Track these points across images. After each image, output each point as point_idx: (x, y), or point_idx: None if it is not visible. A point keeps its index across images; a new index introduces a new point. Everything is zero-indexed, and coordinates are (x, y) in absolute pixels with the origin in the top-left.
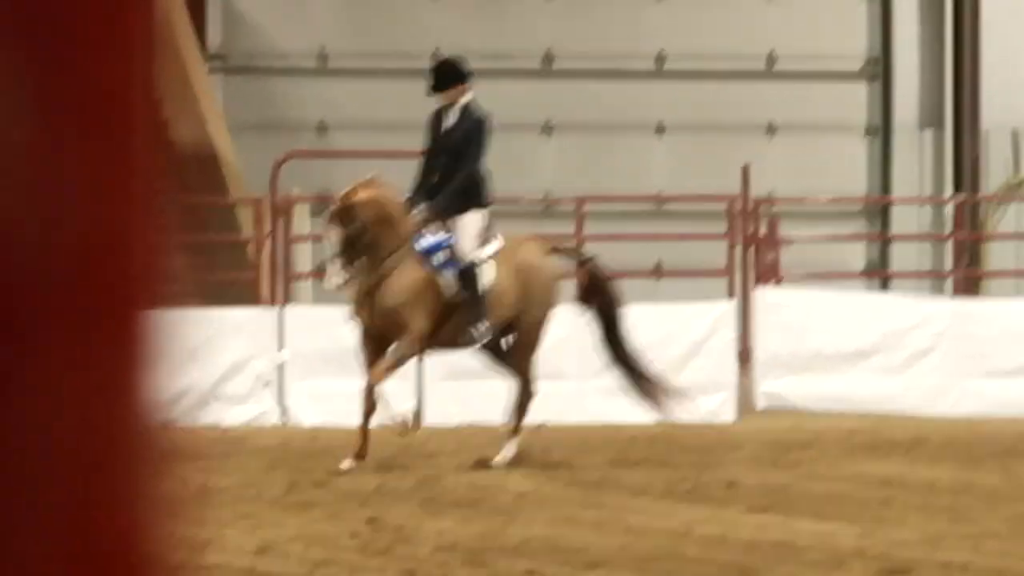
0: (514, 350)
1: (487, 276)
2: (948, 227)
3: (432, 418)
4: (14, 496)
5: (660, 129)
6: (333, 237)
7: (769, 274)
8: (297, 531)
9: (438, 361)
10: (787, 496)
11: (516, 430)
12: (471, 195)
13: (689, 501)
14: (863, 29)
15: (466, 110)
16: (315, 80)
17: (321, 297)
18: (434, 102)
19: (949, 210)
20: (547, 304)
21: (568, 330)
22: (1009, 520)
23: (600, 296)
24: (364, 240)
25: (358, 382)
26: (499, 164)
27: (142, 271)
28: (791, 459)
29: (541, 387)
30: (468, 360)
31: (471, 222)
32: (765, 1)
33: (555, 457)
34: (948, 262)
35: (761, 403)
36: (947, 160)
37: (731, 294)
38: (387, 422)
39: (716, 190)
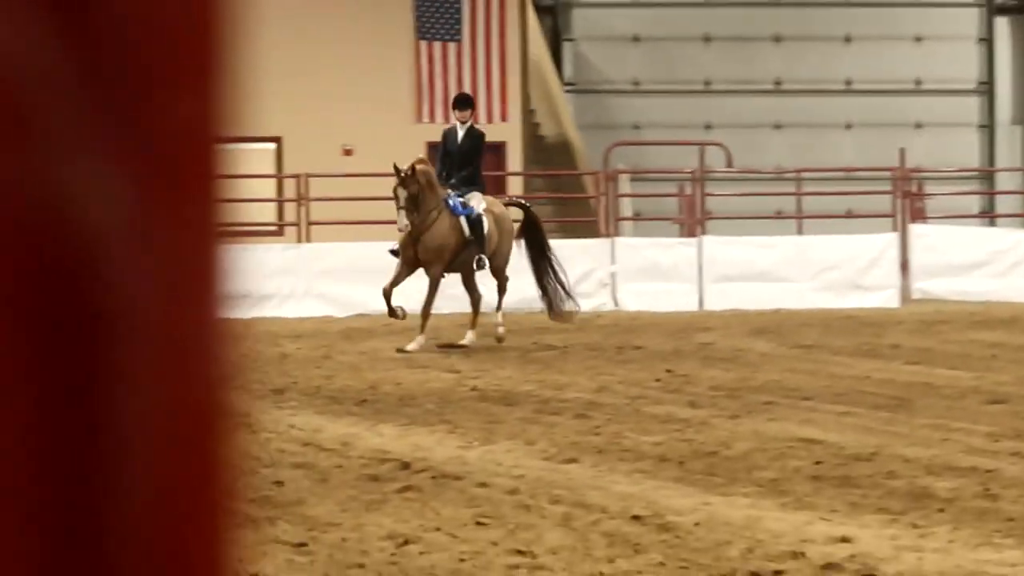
0: (494, 269)
1: (486, 225)
2: None
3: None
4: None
5: (849, 126)
6: (401, 195)
7: (918, 215)
8: (622, 377)
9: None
10: (930, 354)
11: (499, 307)
12: (475, 181)
13: (869, 357)
14: (975, 61)
15: (471, 128)
16: (631, 97)
17: (637, 231)
18: (452, 119)
19: None
20: (511, 238)
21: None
22: None
23: (534, 231)
24: (418, 198)
25: (656, 284)
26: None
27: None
28: (934, 330)
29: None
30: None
31: (476, 194)
32: (912, 45)
33: (784, 329)
34: None
35: (915, 296)
36: None
37: (895, 229)
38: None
39: (886, 163)
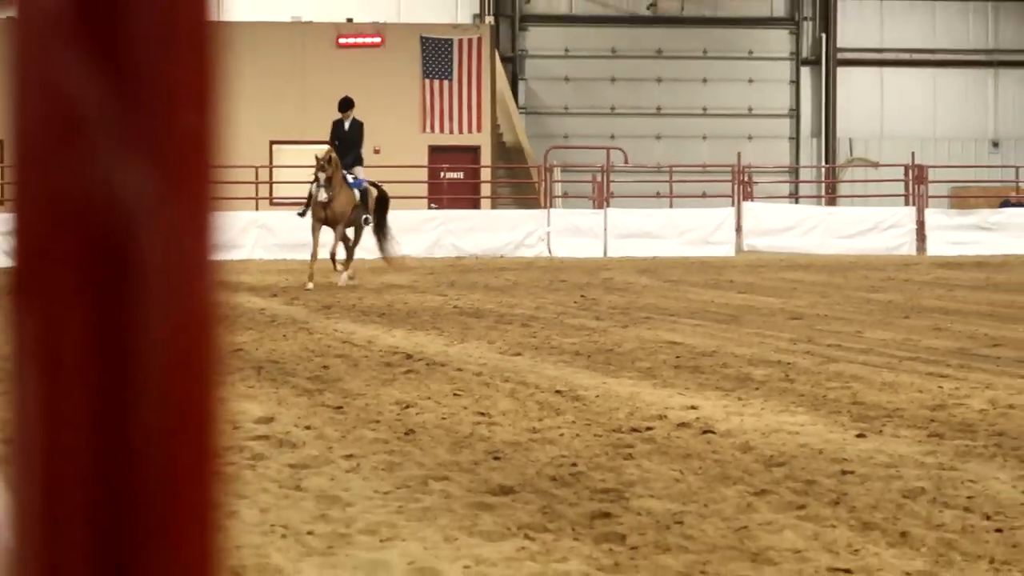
0: (376, 228)
1: (371, 194)
2: None
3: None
4: None
5: (705, 137)
6: (321, 176)
7: (748, 196)
8: (552, 300)
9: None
10: (753, 286)
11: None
12: (359, 160)
13: (713, 288)
14: (787, 96)
15: (354, 120)
16: (562, 117)
17: (565, 205)
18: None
19: None
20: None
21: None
22: None
23: (384, 203)
24: (332, 178)
25: (576, 240)
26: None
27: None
28: (756, 272)
29: None
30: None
31: (360, 170)
32: (747, 85)
33: (659, 270)
34: None
35: (746, 249)
36: None
37: (733, 205)
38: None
39: (728, 162)
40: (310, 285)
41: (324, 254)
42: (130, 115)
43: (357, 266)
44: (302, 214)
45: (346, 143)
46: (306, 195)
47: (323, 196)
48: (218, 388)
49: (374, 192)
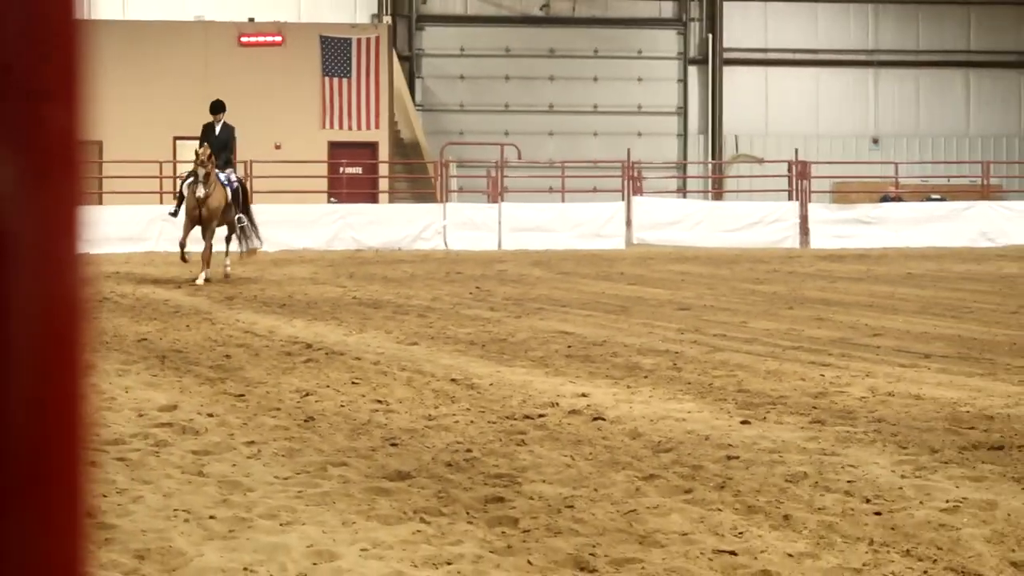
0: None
1: (246, 192)
2: None
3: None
4: None
5: (596, 134)
6: (200, 172)
7: (638, 191)
8: (448, 291)
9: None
10: (643, 278)
11: (244, 256)
12: (231, 162)
13: (604, 280)
14: (675, 94)
15: (225, 124)
16: (458, 114)
17: (460, 199)
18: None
19: None
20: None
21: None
22: None
23: (246, 198)
24: (209, 175)
25: (472, 233)
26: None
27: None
28: (645, 264)
29: None
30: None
31: (231, 171)
32: (636, 83)
33: (552, 262)
34: None
35: (635, 242)
36: None
37: (623, 199)
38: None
39: (619, 158)
40: (199, 279)
41: (193, 247)
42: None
43: (257, 259)
44: (174, 213)
45: (216, 147)
46: (176, 193)
47: (201, 192)
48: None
49: (245, 189)
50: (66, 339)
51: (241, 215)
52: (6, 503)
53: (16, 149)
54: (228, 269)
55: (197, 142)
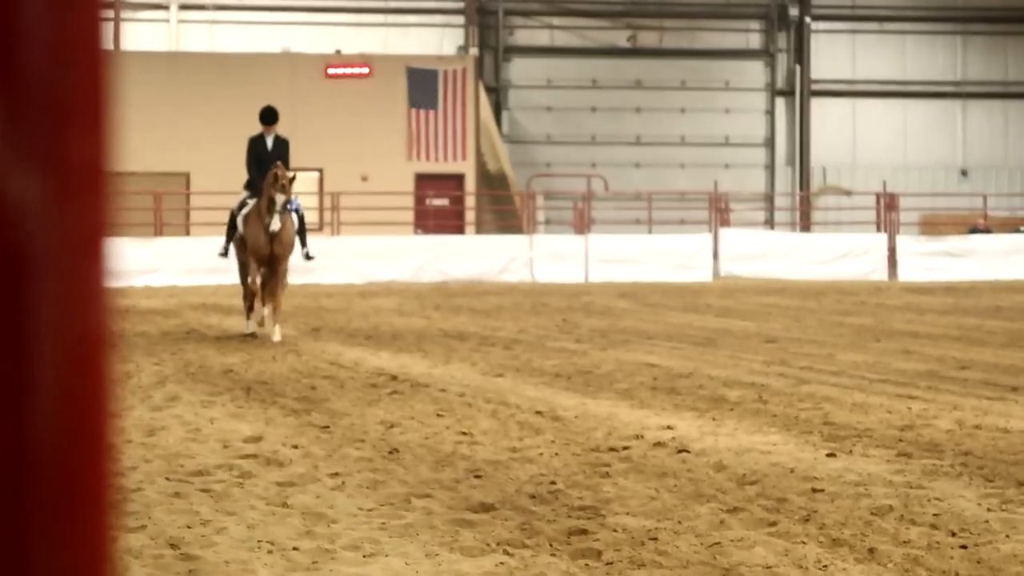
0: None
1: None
2: None
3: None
4: None
5: (683, 166)
6: (279, 200)
7: (725, 223)
8: (534, 323)
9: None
10: (730, 310)
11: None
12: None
13: (691, 312)
14: (763, 125)
15: (278, 136)
16: (545, 146)
17: (547, 231)
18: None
19: None
20: None
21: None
22: None
23: (303, 222)
24: (286, 202)
25: (559, 265)
26: None
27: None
28: (733, 296)
29: None
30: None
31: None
32: (724, 114)
33: (639, 294)
34: None
35: (722, 274)
36: None
37: (710, 231)
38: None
39: (706, 190)
40: (254, 328)
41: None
42: (23, 136)
43: (344, 291)
44: (225, 253)
45: (268, 165)
46: (227, 223)
47: (276, 225)
48: (110, 398)
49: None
50: (90, 370)
51: (306, 248)
52: (31, 538)
53: (38, 172)
54: (278, 332)
55: (246, 159)
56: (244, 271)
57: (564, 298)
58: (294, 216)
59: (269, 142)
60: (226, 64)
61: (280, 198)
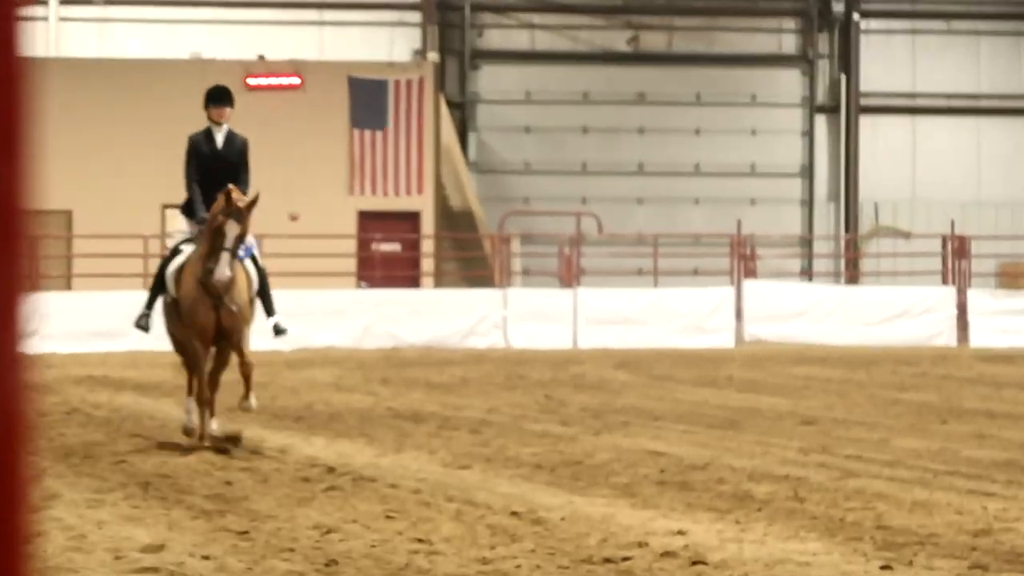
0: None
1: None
2: None
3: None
4: None
5: (697, 201)
6: (231, 233)
7: (750, 273)
8: (509, 400)
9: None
10: (757, 384)
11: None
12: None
13: (707, 386)
14: (799, 150)
15: (231, 132)
16: (522, 176)
17: (525, 283)
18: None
19: None
20: None
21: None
22: None
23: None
24: (238, 238)
25: (539, 326)
26: None
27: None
28: (760, 365)
29: None
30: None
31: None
32: (749, 136)
33: (641, 363)
34: None
35: (747, 338)
36: None
37: (732, 284)
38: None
39: (726, 232)
40: (195, 424)
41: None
42: None
43: (269, 360)
44: (143, 322)
45: (218, 172)
46: (153, 279)
47: (223, 270)
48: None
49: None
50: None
51: (276, 321)
52: None
53: None
54: (253, 400)
55: (185, 168)
56: (181, 349)
57: (547, 368)
58: (250, 267)
59: (219, 139)
60: (120, 73)
61: (232, 230)
